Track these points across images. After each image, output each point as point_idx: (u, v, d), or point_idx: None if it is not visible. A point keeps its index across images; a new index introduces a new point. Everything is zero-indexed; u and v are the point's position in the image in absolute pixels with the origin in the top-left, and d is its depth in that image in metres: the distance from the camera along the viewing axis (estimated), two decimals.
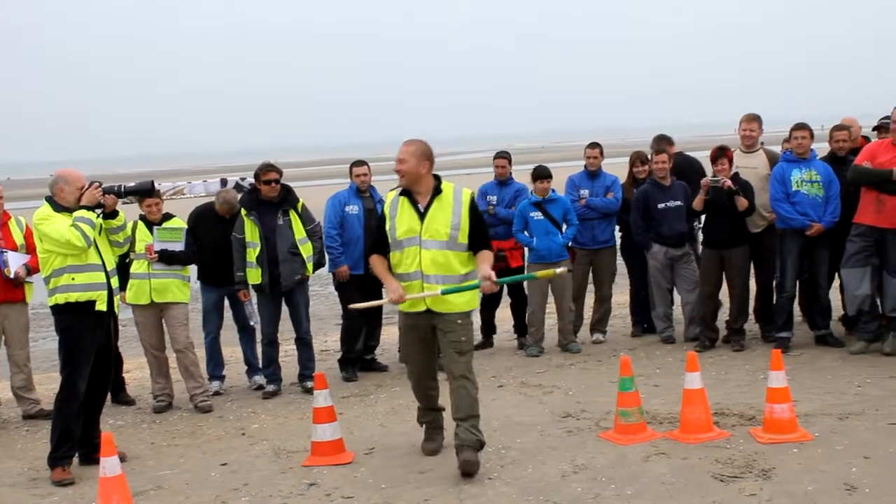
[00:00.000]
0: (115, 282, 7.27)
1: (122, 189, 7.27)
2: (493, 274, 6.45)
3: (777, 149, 10.50)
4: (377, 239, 6.74)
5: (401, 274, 6.54)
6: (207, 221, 9.50)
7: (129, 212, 7.34)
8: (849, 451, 6.28)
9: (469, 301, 6.63)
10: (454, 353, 6.52)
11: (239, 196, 9.56)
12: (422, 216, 6.48)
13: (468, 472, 6.27)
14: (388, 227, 6.57)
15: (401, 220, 6.52)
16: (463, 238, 6.49)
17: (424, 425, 7.08)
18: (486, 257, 6.55)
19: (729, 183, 9.31)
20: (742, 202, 9.28)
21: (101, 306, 7.07)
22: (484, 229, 6.71)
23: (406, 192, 6.56)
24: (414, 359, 6.88)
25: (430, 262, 6.43)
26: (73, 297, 7.00)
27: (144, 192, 7.62)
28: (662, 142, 10.82)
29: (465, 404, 6.49)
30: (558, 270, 7.23)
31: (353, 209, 9.58)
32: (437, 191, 6.53)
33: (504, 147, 11.72)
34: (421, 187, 6.52)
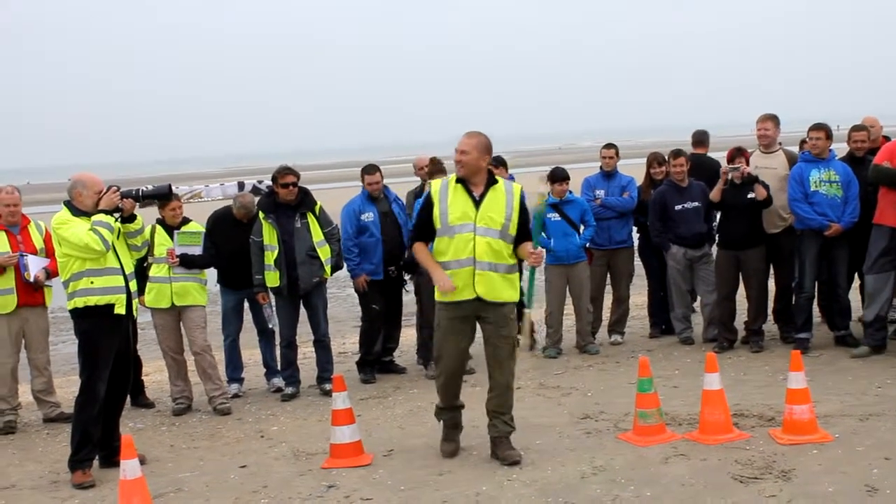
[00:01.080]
0: (133, 285, 7.29)
1: (140, 193, 7.28)
2: (534, 247, 6.62)
3: (795, 149, 10.46)
4: (421, 225, 6.72)
5: (449, 261, 6.53)
6: (225, 225, 9.52)
7: (146, 216, 7.37)
8: (870, 453, 6.26)
9: (517, 292, 6.73)
10: (508, 347, 6.64)
11: (256, 200, 9.59)
12: (477, 204, 6.51)
13: (515, 463, 6.55)
14: (436, 211, 6.55)
15: (454, 205, 6.52)
16: (513, 230, 6.55)
17: (442, 422, 7.04)
18: (527, 245, 6.63)
19: (748, 169, 9.31)
20: (761, 191, 9.25)
21: (120, 310, 7.09)
22: (528, 223, 6.74)
23: (461, 180, 6.57)
24: (452, 354, 6.75)
25: (486, 249, 6.46)
26: (92, 300, 7.02)
27: (162, 196, 7.64)
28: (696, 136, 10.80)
29: (510, 400, 6.74)
30: (539, 189, 7.29)
31: (369, 216, 9.55)
32: (491, 181, 6.59)
33: (519, 149, 11.67)
34: (477, 178, 6.57)
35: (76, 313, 7.09)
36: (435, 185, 6.72)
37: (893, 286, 8.84)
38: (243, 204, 9.53)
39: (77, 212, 7.08)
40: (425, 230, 6.65)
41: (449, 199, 6.53)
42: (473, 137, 6.58)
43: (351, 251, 9.52)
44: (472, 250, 6.45)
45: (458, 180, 6.56)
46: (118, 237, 7.19)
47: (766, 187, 9.32)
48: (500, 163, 10.29)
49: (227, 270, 9.50)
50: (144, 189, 7.39)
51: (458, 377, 6.88)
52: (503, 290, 6.58)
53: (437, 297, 6.70)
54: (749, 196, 9.33)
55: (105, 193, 7.08)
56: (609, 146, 10.76)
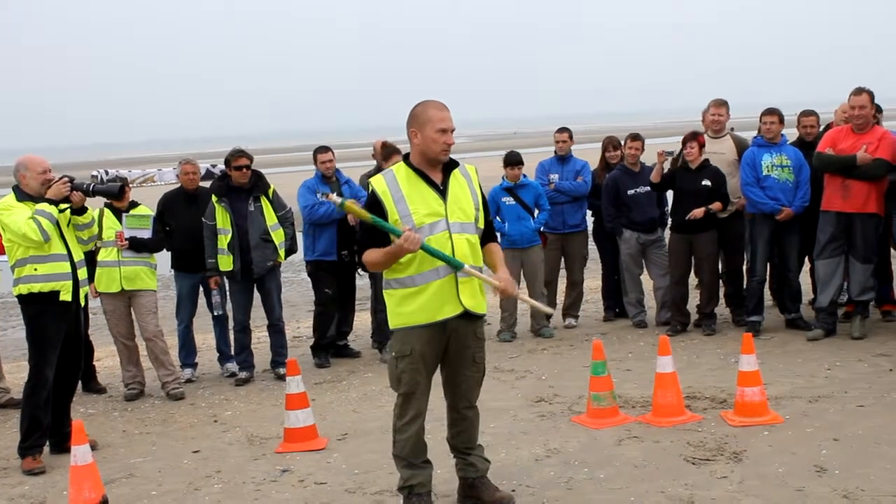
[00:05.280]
0: (83, 272, 7.18)
1: (92, 188, 7.19)
2: (511, 281, 5.32)
3: (744, 134, 10.51)
4: (373, 234, 5.12)
5: (418, 274, 5.08)
6: (176, 206, 9.46)
7: (94, 200, 7.28)
8: (818, 433, 6.34)
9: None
10: (479, 376, 5.52)
11: (201, 165, 9.50)
12: (443, 194, 5.16)
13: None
14: (393, 214, 5.07)
15: (415, 201, 5.10)
16: (481, 222, 5.29)
17: (412, 491, 5.38)
18: (501, 255, 5.51)
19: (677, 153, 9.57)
20: (718, 206, 9.38)
21: (66, 296, 7.00)
22: (489, 213, 5.54)
23: (415, 167, 5.19)
24: (425, 390, 5.32)
25: (467, 248, 5.13)
26: (36, 287, 6.93)
27: (112, 196, 7.55)
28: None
29: (477, 432, 5.60)
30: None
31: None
32: (452, 164, 5.25)
33: (475, 133, 11.62)
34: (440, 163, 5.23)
35: (22, 299, 7.03)
36: (379, 183, 5.17)
37: (843, 270, 8.95)
38: (185, 171, 9.49)
39: (22, 196, 6.98)
40: (377, 236, 5.10)
41: (406, 194, 5.10)
42: (447, 108, 5.23)
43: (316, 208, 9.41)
44: (450, 254, 5.06)
45: (413, 168, 5.18)
46: (68, 225, 7.11)
47: (722, 177, 9.38)
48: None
49: (180, 252, 9.42)
50: (96, 185, 7.29)
51: (424, 416, 5.41)
52: (483, 298, 5.33)
53: (404, 320, 5.18)
54: (703, 183, 9.39)
55: (55, 182, 6.97)
56: (562, 130, 10.79)
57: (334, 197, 5.38)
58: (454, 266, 5.07)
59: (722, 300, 10.06)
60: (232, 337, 9.58)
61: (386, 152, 9.58)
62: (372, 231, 5.12)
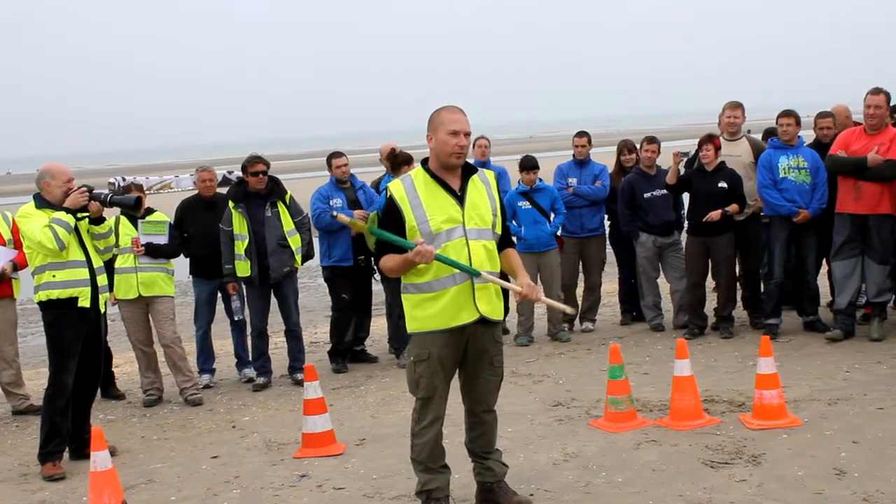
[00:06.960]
0: (102, 279, 7.21)
1: (109, 199, 7.23)
2: (532, 286, 5.36)
3: (758, 136, 10.47)
4: (387, 241, 5.13)
5: (435, 280, 5.10)
6: (194, 212, 9.50)
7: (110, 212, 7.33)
8: (838, 436, 6.31)
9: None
10: (498, 380, 5.52)
11: (218, 171, 9.53)
12: (460, 200, 5.15)
13: None
14: (411, 220, 5.08)
15: (433, 207, 5.10)
16: (498, 227, 5.29)
17: (430, 496, 5.41)
18: (519, 260, 5.51)
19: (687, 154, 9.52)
20: (734, 208, 9.36)
21: (84, 303, 7.02)
22: (506, 218, 5.55)
23: (433, 173, 5.18)
24: (444, 394, 5.33)
25: (484, 255, 5.13)
26: (55, 294, 6.97)
27: (128, 207, 7.59)
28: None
29: (495, 437, 5.61)
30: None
31: (337, 202, 9.52)
32: (470, 169, 5.25)
33: (491, 138, 11.71)
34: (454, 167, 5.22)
35: (41, 306, 7.08)
36: (396, 188, 5.16)
37: (861, 272, 8.92)
38: (202, 178, 9.53)
39: (43, 203, 7.02)
40: (392, 244, 5.12)
41: (423, 201, 5.10)
42: (463, 112, 5.22)
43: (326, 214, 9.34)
44: (467, 260, 5.07)
45: (431, 174, 5.17)
46: (88, 231, 7.15)
47: (739, 179, 9.35)
48: None
49: (198, 258, 9.45)
50: (113, 196, 7.33)
51: (441, 423, 5.42)
52: (500, 303, 5.33)
53: (422, 324, 5.19)
54: (720, 185, 9.37)
55: (73, 192, 7.01)
56: (581, 134, 10.79)
57: (342, 216, 5.41)
58: (471, 274, 5.08)
59: (739, 303, 10.04)
60: (249, 343, 9.61)
61: (396, 161, 9.46)
62: (389, 243, 5.12)
